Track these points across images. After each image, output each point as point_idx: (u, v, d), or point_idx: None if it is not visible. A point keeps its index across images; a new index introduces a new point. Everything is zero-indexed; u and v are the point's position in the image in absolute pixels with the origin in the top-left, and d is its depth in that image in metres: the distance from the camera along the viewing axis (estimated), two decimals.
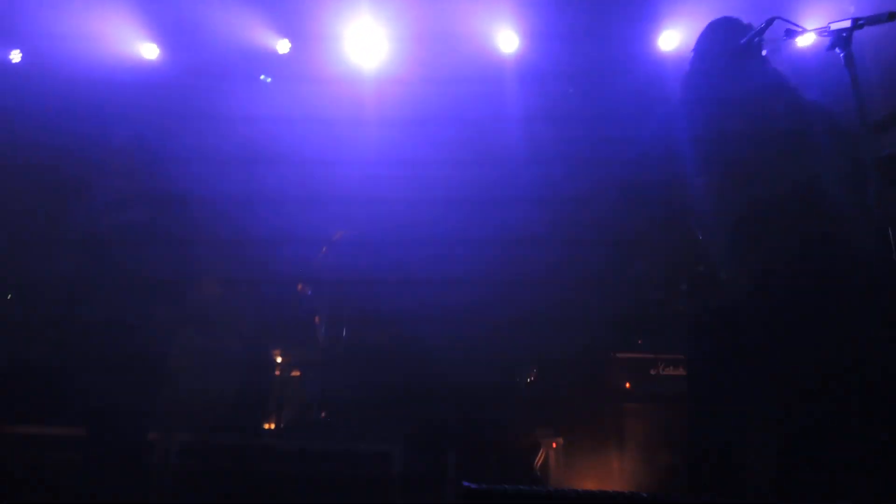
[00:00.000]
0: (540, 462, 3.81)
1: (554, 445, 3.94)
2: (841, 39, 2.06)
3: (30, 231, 5.10)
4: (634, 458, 3.87)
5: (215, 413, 4.02)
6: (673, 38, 5.60)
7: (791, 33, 2.25)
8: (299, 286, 4.55)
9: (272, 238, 4.82)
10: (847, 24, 2.06)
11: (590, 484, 3.78)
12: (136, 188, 3.63)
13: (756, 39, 2.28)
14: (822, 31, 2.13)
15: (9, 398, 4.02)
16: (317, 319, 4.48)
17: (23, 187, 5.64)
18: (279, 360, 4.44)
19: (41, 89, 6.11)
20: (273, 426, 4.23)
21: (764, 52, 2.39)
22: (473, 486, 1.69)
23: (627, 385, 4.11)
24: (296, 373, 4.44)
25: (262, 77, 6.36)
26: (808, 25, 2.33)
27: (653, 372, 4.12)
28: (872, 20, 2.06)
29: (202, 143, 5.72)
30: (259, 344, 4.44)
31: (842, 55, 2.05)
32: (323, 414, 4.22)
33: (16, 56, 6.37)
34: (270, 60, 6.20)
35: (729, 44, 2.36)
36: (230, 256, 4.72)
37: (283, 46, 6.11)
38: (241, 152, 5.73)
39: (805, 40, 3.86)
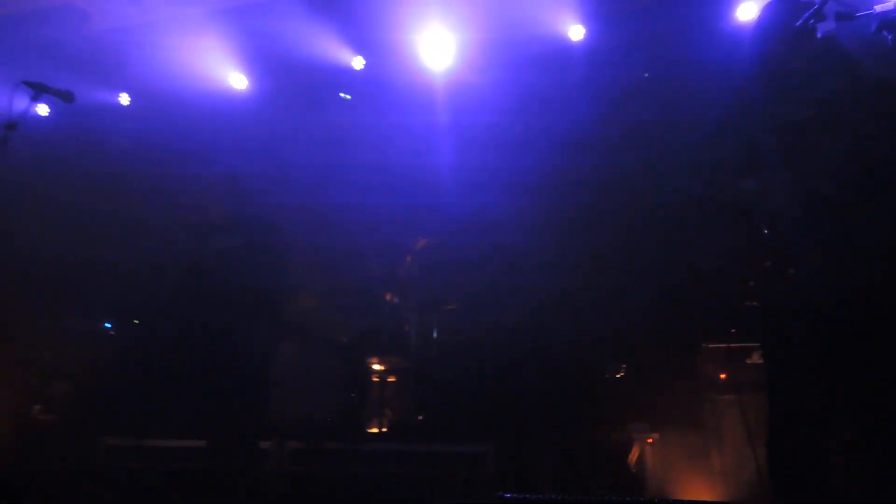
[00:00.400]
0: (634, 459, 3.80)
1: (650, 441, 3.91)
2: (888, 22, 1.97)
3: (149, 259, 5.54)
4: (733, 451, 3.78)
5: (321, 420, 4.28)
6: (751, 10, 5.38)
7: (840, 16, 2.16)
8: (388, 295, 4.75)
9: (361, 250, 5.06)
10: (892, 5, 1.96)
11: (687, 480, 3.74)
12: (232, 214, 3.92)
13: (811, 22, 2.20)
14: (868, 14, 2.04)
15: (143, 411, 4.44)
16: (406, 326, 4.67)
17: (137, 218, 6.18)
18: (376, 367, 4.66)
19: (146, 126, 6.70)
20: (374, 430, 4.45)
21: (818, 35, 2.29)
22: (508, 495, 1.76)
23: (723, 376, 4.01)
24: (392, 378, 4.64)
25: (342, 95, 6.61)
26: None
27: (749, 361, 4.00)
28: None
29: (290, 164, 6.08)
30: (356, 352, 4.68)
31: (889, 38, 1.97)
32: (420, 417, 4.40)
33: (124, 99, 6.99)
34: (348, 78, 6.44)
35: (785, 25, 2.27)
36: (324, 270, 4.99)
37: (357, 63, 6.34)
38: (326, 169, 6.01)
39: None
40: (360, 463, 4.05)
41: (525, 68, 6.11)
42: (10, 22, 6.35)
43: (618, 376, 4.37)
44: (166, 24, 6.39)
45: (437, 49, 6.10)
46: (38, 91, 3.11)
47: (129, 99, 6.96)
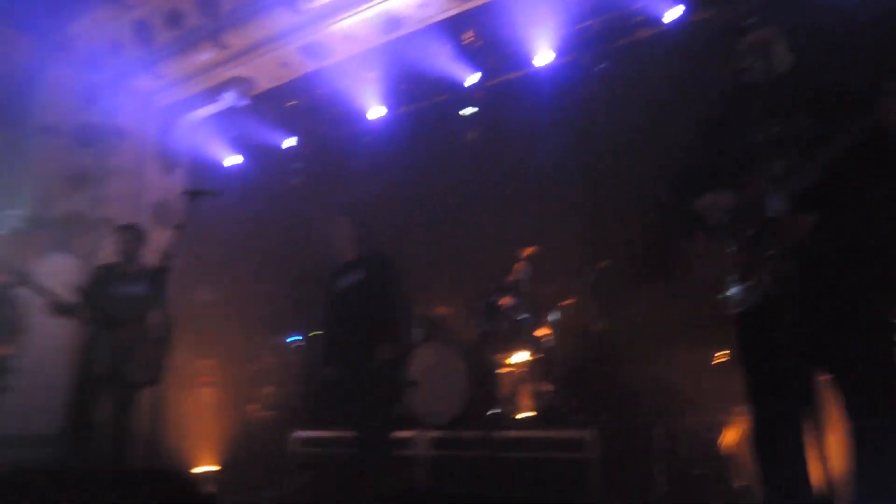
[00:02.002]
0: (726, 442, 3.98)
1: None
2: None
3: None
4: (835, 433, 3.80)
5: (455, 411, 5.01)
6: None
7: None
8: (504, 300, 5.33)
9: (482, 260, 5.65)
10: None
11: None
12: (356, 253, 4.71)
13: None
14: None
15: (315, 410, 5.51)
16: (523, 325, 5.21)
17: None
18: (500, 363, 5.29)
19: (309, 165, 7.91)
20: (499, 418, 5.09)
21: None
22: None
23: None
24: (511, 373, 5.24)
25: (464, 111, 7.20)
26: None
27: None
28: None
29: (422, 180, 6.84)
30: (483, 351, 5.34)
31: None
32: (538, 409, 4.94)
33: (293, 141, 8.27)
34: (465, 94, 7.02)
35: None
36: (454, 281, 5.68)
37: (472, 79, 6.89)
38: (452, 183, 6.68)
39: None
40: (488, 447, 4.70)
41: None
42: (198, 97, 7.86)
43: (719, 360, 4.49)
44: (315, 77, 7.49)
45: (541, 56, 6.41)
46: (197, 195, 3.82)
47: (296, 140, 8.20)
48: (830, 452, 2.27)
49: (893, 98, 2.03)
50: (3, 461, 5.38)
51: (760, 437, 2.37)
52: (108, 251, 5.59)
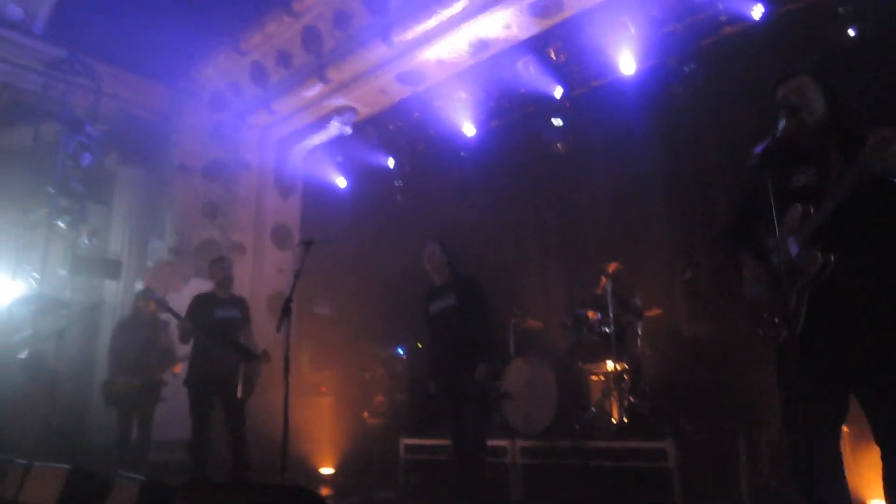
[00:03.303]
0: None
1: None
2: None
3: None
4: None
5: (542, 421, 5.27)
6: None
7: None
8: (590, 313, 5.51)
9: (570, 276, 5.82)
10: None
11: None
12: (447, 277, 5.06)
13: None
14: None
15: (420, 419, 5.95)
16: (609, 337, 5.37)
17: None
18: (587, 374, 5.49)
19: (409, 184, 8.39)
20: (586, 428, 5.28)
21: None
22: None
23: None
24: (597, 384, 5.42)
25: (554, 121, 7.39)
26: None
27: None
28: None
29: (514, 195, 7.10)
30: (571, 363, 5.56)
31: None
32: (624, 419, 5.10)
33: (391, 162, 8.82)
34: (552, 108, 7.21)
35: None
36: (545, 298, 5.92)
37: (557, 92, 7.08)
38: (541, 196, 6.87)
39: None
40: (577, 456, 4.94)
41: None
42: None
43: None
44: (410, 101, 7.97)
45: (624, 64, 6.50)
46: (310, 244, 4.29)
47: (394, 162, 8.73)
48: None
49: (875, 146, 2.16)
50: (158, 461, 6.28)
51: (796, 460, 2.49)
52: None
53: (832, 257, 2.34)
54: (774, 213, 2.39)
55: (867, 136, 2.35)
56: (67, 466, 3.96)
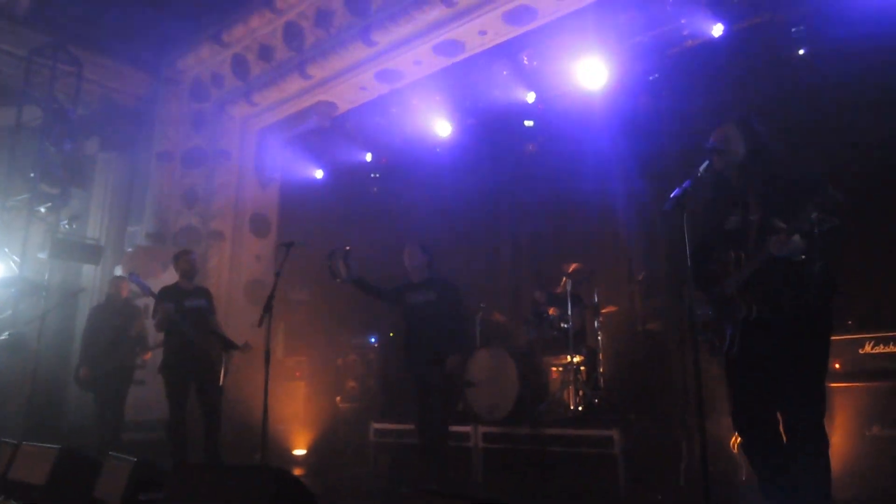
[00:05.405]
0: (737, 442, 4.41)
1: None
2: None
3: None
4: (846, 438, 4.17)
5: (503, 409, 5.65)
6: None
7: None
8: (552, 310, 5.90)
9: (532, 273, 6.19)
10: None
11: None
12: (426, 275, 5.37)
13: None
14: None
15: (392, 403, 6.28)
16: (567, 332, 5.76)
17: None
18: (547, 366, 5.89)
19: (383, 177, 8.68)
20: (543, 416, 5.68)
21: None
22: None
23: (837, 366, 4.35)
24: (556, 375, 5.81)
25: (526, 123, 7.73)
26: None
27: (861, 352, 4.28)
28: None
29: (484, 193, 7.43)
30: (531, 356, 5.94)
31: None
32: (579, 408, 5.50)
33: (369, 156, 9.11)
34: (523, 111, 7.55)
35: None
36: (507, 294, 6.27)
37: (528, 96, 7.41)
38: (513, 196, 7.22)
39: None
40: (534, 442, 5.32)
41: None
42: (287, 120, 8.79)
43: None
44: (388, 98, 8.23)
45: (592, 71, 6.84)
46: (289, 245, 4.62)
47: (371, 156, 9.01)
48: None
49: (778, 239, 2.69)
50: (135, 441, 6.53)
51: (746, 447, 3.09)
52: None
53: (753, 308, 2.90)
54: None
55: (783, 174, 2.82)
56: (57, 446, 4.21)
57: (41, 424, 6.85)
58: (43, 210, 7.97)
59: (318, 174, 9.35)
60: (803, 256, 2.71)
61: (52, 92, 7.93)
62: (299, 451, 7.22)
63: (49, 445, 4.27)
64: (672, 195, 2.86)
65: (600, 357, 5.82)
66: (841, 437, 4.19)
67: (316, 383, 7.65)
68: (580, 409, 5.45)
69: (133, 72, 9.14)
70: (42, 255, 7.88)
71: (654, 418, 5.20)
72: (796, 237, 2.65)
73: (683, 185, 2.86)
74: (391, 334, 7.54)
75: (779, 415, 2.92)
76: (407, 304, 5.29)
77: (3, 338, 7.19)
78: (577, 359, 5.65)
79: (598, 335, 5.82)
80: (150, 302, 5.75)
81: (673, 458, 4.69)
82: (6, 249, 7.86)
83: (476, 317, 6.36)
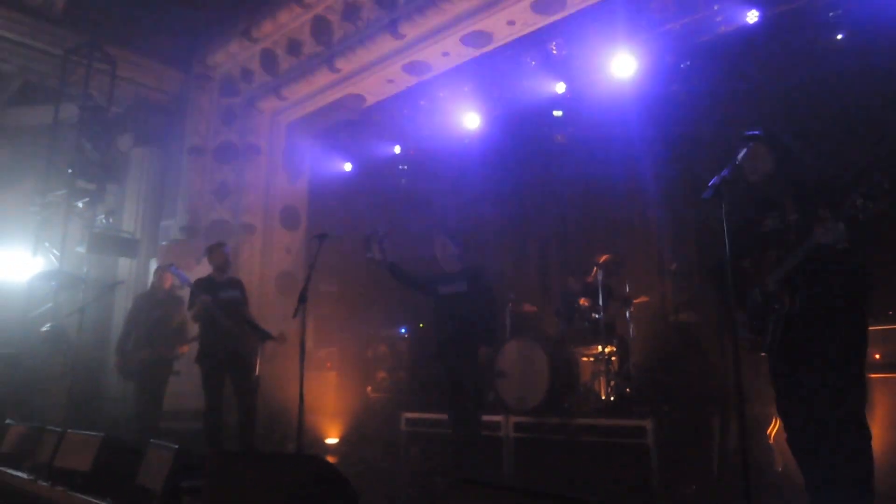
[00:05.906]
0: (774, 432, 4.36)
1: None
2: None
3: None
4: (887, 429, 4.10)
5: (534, 399, 5.66)
6: None
7: None
8: (582, 300, 5.89)
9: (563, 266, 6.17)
10: None
11: None
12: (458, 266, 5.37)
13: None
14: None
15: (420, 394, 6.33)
16: (599, 323, 5.74)
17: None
18: (579, 356, 5.88)
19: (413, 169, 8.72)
20: (574, 407, 5.68)
21: None
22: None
23: (877, 356, 4.28)
24: (586, 366, 5.80)
25: (555, 112, 7.69)
26: None
27: None
28: None
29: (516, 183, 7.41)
30: (562, 346, 5.94)
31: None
32: (611, 398, 5.49)
33: (397, 149, 9.14)
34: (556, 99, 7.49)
35: None
36: (538, 285, 6.27)
37: (558, 87, 7.37)
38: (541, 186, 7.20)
39: None
40: (565, 432, 5.33)
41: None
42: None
43: None
44: (416, 90, 8.25)
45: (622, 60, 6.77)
46: (323, 237, 4.66)
47: (399, 148, 9.05)
48: None
49: (824, 226, 2.70)
50: (172, 429, 6.67)
51: (790, 440, 3.06)
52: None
53: (797, 300, 2.90)
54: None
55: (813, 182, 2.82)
56: (101, 434, 4.34)
57: (81, 413, 7.03)
58: (80, 205, 8.18)
59: (347, 167, 9.42)
60: (847, 245, 2.70)
61: (88, 90, 8.12)
62: (331, 440, 7.32)
63: (93, 433, 4.41)
64: (710, 183, 2.83)
65: (632, 347, 5.79)
66: (882, 429, 4.13)
67: (346, 373, 7.73)
68: (611, 399, 5.44)
69: (165, 69, 9.29)
70: (80, 249, 8.08)
71: (686, 409, 5.17)
72: (841, 224, 2.64)
73: (721, 174, 2.83)
74: (420, 325, 7.59)
75: (821, 407, 2.89)
76: (438, 295, 5.31)
77: (44, 329, 7.41)
78: (608, 349, 5.63)
79: (629, 326, 5.80)
80: (188, 293, 5.87)
81: (707, 448, 4.66)
82: (47, 244, 8.09)
83: (506, 308, 6.38)
